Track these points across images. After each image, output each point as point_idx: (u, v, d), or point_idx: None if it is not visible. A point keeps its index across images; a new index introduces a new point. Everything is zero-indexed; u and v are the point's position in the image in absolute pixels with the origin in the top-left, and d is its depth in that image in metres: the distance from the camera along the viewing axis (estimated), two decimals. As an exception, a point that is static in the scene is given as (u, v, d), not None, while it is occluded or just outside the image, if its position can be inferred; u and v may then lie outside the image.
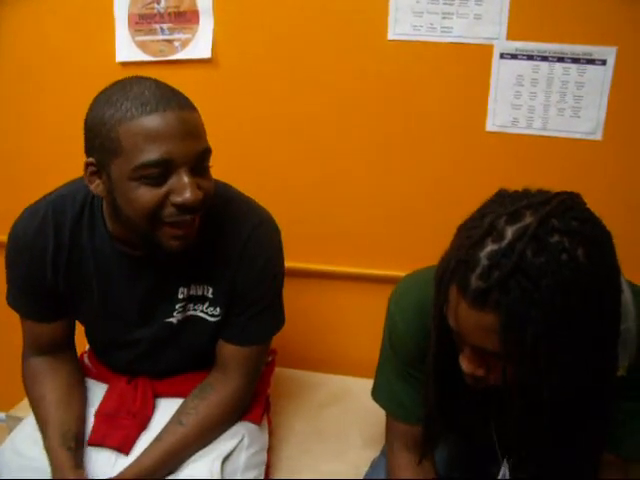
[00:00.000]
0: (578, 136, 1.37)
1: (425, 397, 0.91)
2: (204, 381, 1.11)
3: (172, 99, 0.86)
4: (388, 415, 1.04)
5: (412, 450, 1.01)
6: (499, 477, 0.97)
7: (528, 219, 0.66)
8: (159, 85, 0.88)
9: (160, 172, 0.85)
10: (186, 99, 0.89)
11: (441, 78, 1.41)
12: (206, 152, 0.90)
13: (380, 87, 1.44)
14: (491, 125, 1.41)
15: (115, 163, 0.86)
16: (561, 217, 0.67)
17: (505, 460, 0.95)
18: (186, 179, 0.86)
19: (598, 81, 1.33)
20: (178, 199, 0.86)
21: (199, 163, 0.89)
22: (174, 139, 0.84)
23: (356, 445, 1.36)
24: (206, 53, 1.47)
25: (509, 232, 0.66)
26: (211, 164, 0.94)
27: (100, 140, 0.86)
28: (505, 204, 0.70)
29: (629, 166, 1.29)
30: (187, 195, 0.86)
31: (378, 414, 1.09)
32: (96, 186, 0.91)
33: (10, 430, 1.22)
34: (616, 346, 0.76)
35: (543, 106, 1.37)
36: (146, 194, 0.86)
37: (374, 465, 1.16)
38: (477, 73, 1.38)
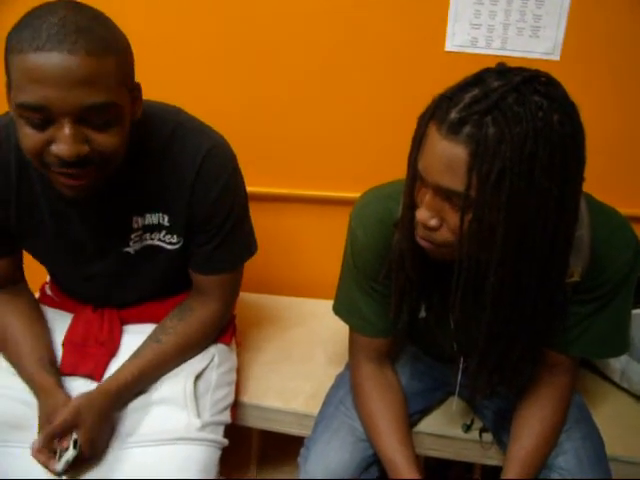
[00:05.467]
0: (536, 56, 1.38)
1: (393, 308, 0.94)
2: (184, 302, 1.12)
3: (67, 39, 0.75)
4: (351, 329, 1.07)
5: (374, 361, 1.06)
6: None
7: (516, 78, 0.70)
8: (67, 19, 0.76)
9: (39, 117, 0.78)
10: (93, 41, 0.76)
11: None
12: (104, 106, 0.80)
13: (336, 7, 1.40)
14: (450, 45, 1.40)
15: (12, 92, 0.80)
16: (545, 84, 0.71)
17: (462, 363, 1.01)
18: (66, 131, 0.78)
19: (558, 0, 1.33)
20: (54, 149, 0.80)
21: (92, 116, 0.80)
22: (54, 86, 0.75)
23: (320, 363, 1.42)
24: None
25: (495, 83, 0.70)
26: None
27: (5, 64, 0.80)
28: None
29: (585, 87, 1.31)
30: (63, 147, 0.79)
31: (341, 333, 1.13)
32: (12, 108, 0.85)
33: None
34: (571, 232, 0.79)
35: (502, 25, 1.37)
36: (29, 136, 0.80)
37: (338, 379, 1.21)
38: (437, -9, 1.36)
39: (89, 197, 0.91)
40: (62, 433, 0.91)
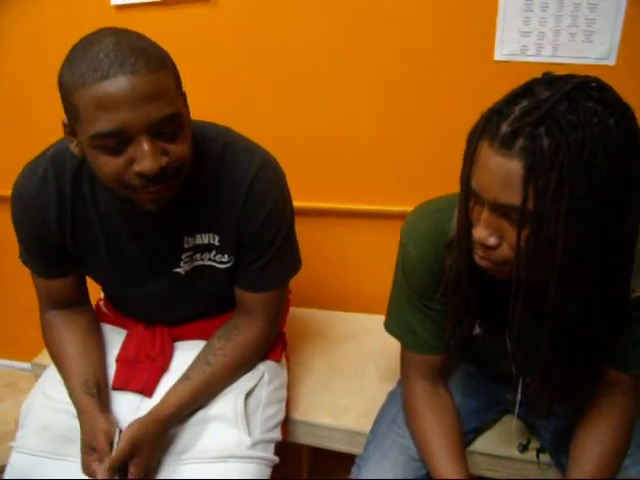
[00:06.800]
0: (590, 62, 1.33)
1: (449, 324, 0.92)
2: (229, 322, 1.12)
3: (127, 61, 0.78)
4: (403, 345, 1.05)
5: (427, 378, 1.04)
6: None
7: (565, 86, 0.67)
8: (120, 43, 0.79)
9: (116, 142, 0.81)
10: (150, 59, 0.80)
11: (446, 6, 1.36)
12: (171, 117, 0.82)
13: (383, 18, 1.40)
14: (499, 54, 1.37)
15: (79, 128, 0.83)
16: (596, 89, 0.68)
17: (520, 382, 0.97)
18: (145, 147, 0.81)
19: (612, 1, 1.28)
20: (137, 168, 0.82)
21: (163, 129, 0.82)
22: (126, 108, 0.78)
23: (372, 379, 1.40)
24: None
25: (545, 93, 0.68)
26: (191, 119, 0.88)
27: (66, 103, 0.83)
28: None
29: (643, 91, 1.26)
30: (146, 163, 0.81)
31: (392, 347, 1.12)
32: (74, 146, 0.89)
33: (36, 378, 1.26)
34: (634, 240, 0.75)
35: (553, 32, 1.33)
36: (108, 163, 0.82)
37: (390, 396, 1.19)
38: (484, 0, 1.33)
39: (156, 211, 0.92)
40: (122, 464, 0.92)
